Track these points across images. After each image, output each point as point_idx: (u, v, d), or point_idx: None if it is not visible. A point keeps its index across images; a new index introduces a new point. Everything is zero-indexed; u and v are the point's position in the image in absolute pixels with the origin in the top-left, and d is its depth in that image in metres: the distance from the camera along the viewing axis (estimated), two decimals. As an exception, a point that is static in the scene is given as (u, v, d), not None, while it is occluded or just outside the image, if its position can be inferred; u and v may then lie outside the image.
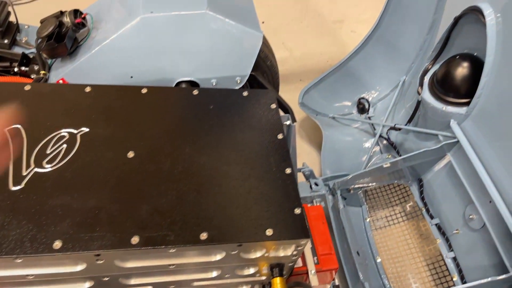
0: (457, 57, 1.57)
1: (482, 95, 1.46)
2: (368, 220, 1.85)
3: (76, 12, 1.46)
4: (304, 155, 2.22)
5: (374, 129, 2.05)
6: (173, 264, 0.88)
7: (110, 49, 1.39)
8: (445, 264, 1.61)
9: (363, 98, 2.16)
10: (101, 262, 0.81)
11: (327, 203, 1.81)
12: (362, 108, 2.15)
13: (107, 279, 0.88)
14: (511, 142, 1.39)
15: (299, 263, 1.39)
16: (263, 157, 1.00)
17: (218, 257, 0.89)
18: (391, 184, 1.92)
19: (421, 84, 1.72)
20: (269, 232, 0.86)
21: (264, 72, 1.86)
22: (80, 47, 1.46)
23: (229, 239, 0.84)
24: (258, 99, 1.14)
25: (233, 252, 0.87)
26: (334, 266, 1.41)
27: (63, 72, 1.44)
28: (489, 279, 1.27)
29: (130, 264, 0.85)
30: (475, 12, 1.44)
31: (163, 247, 0.80)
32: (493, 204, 1.39)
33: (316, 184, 1.71)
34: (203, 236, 0.83)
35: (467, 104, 1.54)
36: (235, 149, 1.00)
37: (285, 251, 0.93)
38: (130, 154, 0.94)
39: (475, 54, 1.57)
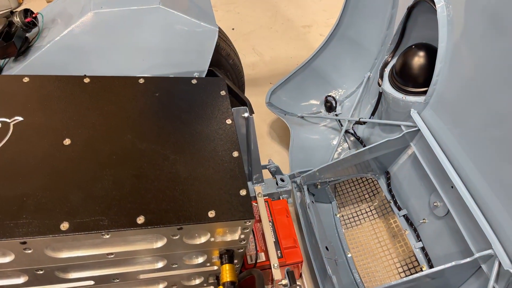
0: (413, 47, 1.59)
1: (438, 81, 1.47)
2: (338, 216, 1.83)
3: (27, 12, 1.43)
4: (275, 155, 2.20)
5: (341, 125, 2.05)
6: (111, 254, 0.83)
7: (61, 47, 1.36)
8: (414, 255, 1.59)
9: (330, 96, 2.16)
10: (30, 251, 0.76)
11: (295, 199, 1.79)
12: (329, 106, 2.15)
13: (41, 272, 0.83)
14: (468, 126, 1.40)
15: (262, 257, 1.35)
16: (210, 142, 0.98)
17: (159, 243, 0.85)
18: (360, 179, 1.90)
19: (381, 76, 1.73)
20: (211, 214, 0.83)
21: (227, 71, 1.85)
22: (32, 47, 1.43)
23: (168, 221, 0.80)
24: (208, 86, 1.12)
25: (175, 237, 0.83)
26: (299, 260, 1.38)
27: (14, 72, 1.40)
28: (453, 263, 1.25)
29: (63, 254, 0.80)
30: (426, 0, 1.46)
31: (95, 232, 0.76)
32: (455, 189, 1.38)
33: (282, 180, 1.68)
34: (140, 219, 0.79)
35: (426, 92, 1.54)
36: (180, 134, 0.97)
37: (232, 235, 0.90)
38: (67, 142, 0.90)
39: (430, 43, 1.58)
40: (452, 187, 1.41)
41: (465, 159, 1.40)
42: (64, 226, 0.75)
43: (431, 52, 1.54)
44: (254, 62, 2.80)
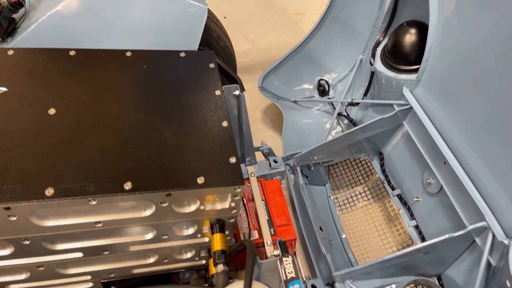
0: (404, 24, 1.58)
1: (429, 58, 1.47)
2: (332, 197, 1.82)
3: (13, -9, 1.40)
4: (268, 140, 2.17)
5: (334, 108, 2.04)
6: (99, 222, 0.82)
7: (48, 26, 1.34)
8: (408, 233, 1.59)
9: (323, 80, 2.15)
10: (15, 218, 0.75)
11: (289, 181, 1.78)
12: (322, 90, 2.14)
13: (27, 242, 0.81)
14: (460, 102, 1.39)
15: (256, 235, 1.34)
16: (198, 112, 0.96)
17: (148, 212, 0.83)
18: (353, 161, 1.90)
19: (373, 56, 1.72)
20: (200, 180, 0.82)
21: (219, 53, 1.83)
22: (18, 28, 1.40)
23: (156, 187, 0.79)
24: (196, 59, 1.10)
25: (163, 205, 0.82)
26: (292, 237, 1.37)
27: (0, 53, 1.37)
28: (446, 236, 1.25)
29: (49, 222, 0.79)
30: (416, -24, 1.45)
31: (81, 197, 0.74)
32: (448, 165, 1.38)
33: (275, 162, 1.67)
34: (127, 185, 0.78)
35: (418, 70, 1.54)
36: (168, 105, 0.96)
37: (222, 203, 0.89)
38: (51, 111, 0.88)
39: (422, 20, 1.58)
40: (445, 163, 1.40)
41: (457, 134, 1.40)
42: (49, 191, 0.74)
43: (423, 29, 1.53)
44: (247, 50, 2.78)
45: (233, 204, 0.89)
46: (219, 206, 0.89)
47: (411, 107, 1.55)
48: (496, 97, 1.24)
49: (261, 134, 2.22)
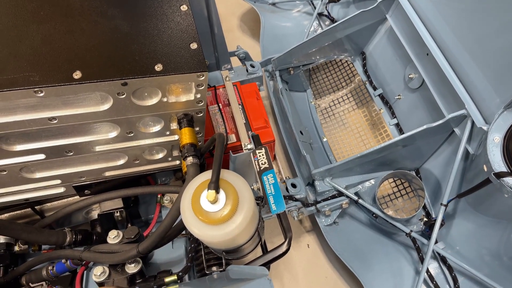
0: None
1: None
2: (313, 103, 1.78)
3: None
4: (247, 49, 2.07)
5: (315, 7, 1.90)
6: (54, 118, 0.76)
7: None
8: (390, 134, 1.58)
9: (303, -21, 1.98)
10: (-42, 115, 0.69)
11: (268, 88, 1.72)
12: (302, -10, 1.98)
13: (-21, 143, 0.76)
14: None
15: (233, 139, 1.31)
16: (154, -3, 0.86)
17: (106, 105, 0.78)
18: (335, 64, 1.82)
19: None
20: (158, 67, 0.75)
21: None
22: None
23: (108, 75, 0.72)
24: None
25: (121, 96, 0.76)
26: (270, 139, 1.34)
27: None
28: (425, 126, 1.23)
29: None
30: None
31: (25, 88, 0.68)
32: (431, 56, 1.32)
33: (253, 66, 1.59)
34: (76, 74, 0.71)
35: (403, -46, 1.40)
36: (119, -10, 0.85)
37: (187, 95, 0.83)
38: (-15, -1, 0.78)
39: None
40: (427, 54, 1.34)
41: (442, 24, 1.31)
42: (-12, 83, 0.67)
43: None
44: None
45: (198, 96, 0.83)
46: (183, 98, 0.83)
47: (395, -3, 1.44)
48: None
49: (238, 42, 2.10)
